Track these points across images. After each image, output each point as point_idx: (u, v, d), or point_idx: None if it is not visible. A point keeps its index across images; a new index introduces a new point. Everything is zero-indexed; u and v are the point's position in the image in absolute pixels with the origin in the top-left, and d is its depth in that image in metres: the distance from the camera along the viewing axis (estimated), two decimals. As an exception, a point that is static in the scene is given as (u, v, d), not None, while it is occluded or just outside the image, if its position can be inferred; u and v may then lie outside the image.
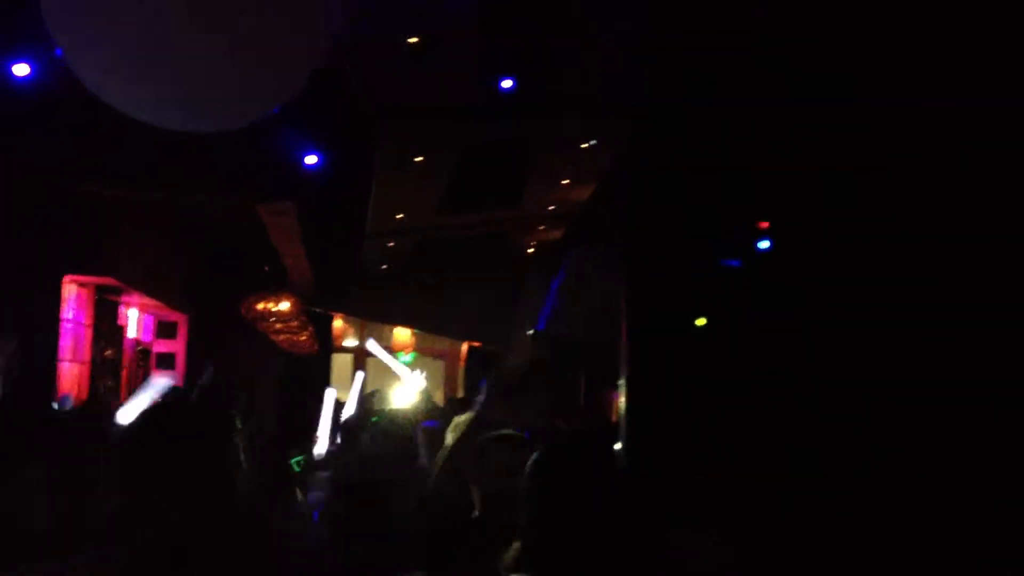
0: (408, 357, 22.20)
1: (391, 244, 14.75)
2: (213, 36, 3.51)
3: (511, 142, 10.10)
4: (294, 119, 8.17)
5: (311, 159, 8.91)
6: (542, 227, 14.49)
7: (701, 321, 2.74)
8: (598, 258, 3.64)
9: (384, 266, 16.53)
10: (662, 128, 2.70)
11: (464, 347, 21.42)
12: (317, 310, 18.00)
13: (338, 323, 21.37)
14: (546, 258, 14.01)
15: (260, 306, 15.25)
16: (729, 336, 2.68)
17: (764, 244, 2.78)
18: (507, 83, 7.59)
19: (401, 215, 12.89)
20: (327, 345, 20.36)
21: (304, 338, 17.33)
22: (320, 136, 8.86)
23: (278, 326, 15.86)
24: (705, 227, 2.69)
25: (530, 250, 16.05)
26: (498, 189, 11.83)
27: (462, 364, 21.69)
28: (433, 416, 7.05)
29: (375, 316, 19.96)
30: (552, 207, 13.07)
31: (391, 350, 22.34)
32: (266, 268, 14.92)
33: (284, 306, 15.26)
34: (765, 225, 2.78)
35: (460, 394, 19.36)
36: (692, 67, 2.70)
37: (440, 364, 21.90)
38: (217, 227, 14.00)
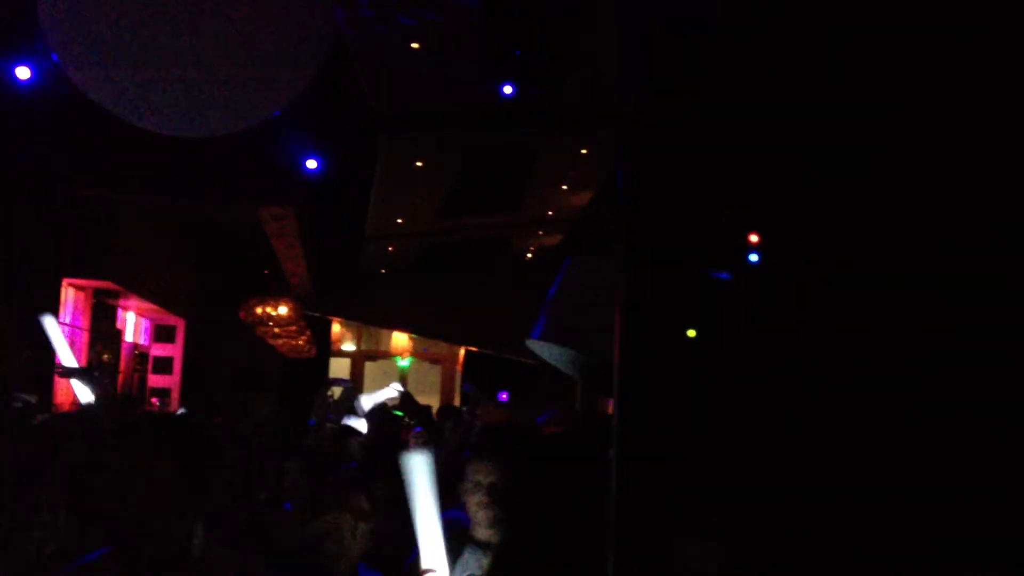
0: (406, 362, 22.18)
1: (390, 248, 14.75)
2: (210, 40, 3.43)
3: (512, 147, 10.11)
4: (295, 124, 8.17)
5: (312, 163, 8.91)
6: (541, 232, 14.50)
7: (691, 333, 2.71)
8: (594, 268, 3.63)
9: (383, 270, 16.54)
10: (660, 136, 2.67)
11: (461, 352, 21.40)
12: (315, 314, 17.98)
13: (336, 327, 21.36)
14: (548, 264, 13.96)
15: (259, 310, 15.22)
16: (720, 348, 2.66)
17: (753, 257, 2.76)
18: (508, 89, 7.60)
19: (401, 219, 12.90)
20: (325, 349, 20.33)
21: (302, 342, 17.30)
22: (321, 141, 8.86)
23: (276, 330, 15.83)
24: (697, 238, 2.67)
25: (528, 255, 16.05)
26: (498, 194, 11.84)
27: (459, 369, 21.65)
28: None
29: (373, 320, 19.95)
30: (551, 212, 13.07)
31: (389, 354, 22.34)
32: (265, 272, 14.90)
33: (283, 310, 15.23)
34: (756, 238, 2.75)
35: (457, 401, 19.31)
36: (693, 75, 2.68)
37: (437, 369, 21.89)
38: (216, 231, 13.98)
